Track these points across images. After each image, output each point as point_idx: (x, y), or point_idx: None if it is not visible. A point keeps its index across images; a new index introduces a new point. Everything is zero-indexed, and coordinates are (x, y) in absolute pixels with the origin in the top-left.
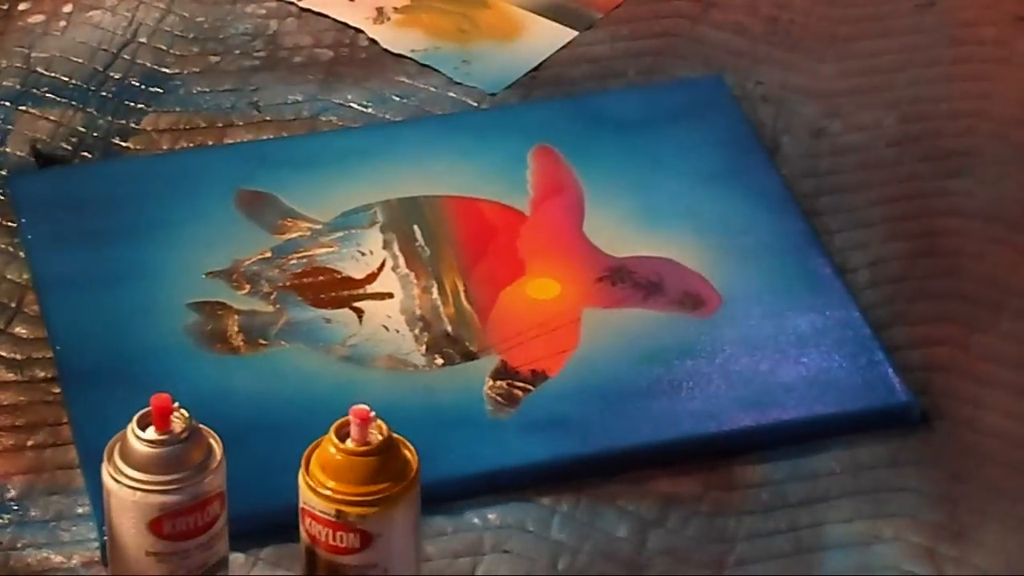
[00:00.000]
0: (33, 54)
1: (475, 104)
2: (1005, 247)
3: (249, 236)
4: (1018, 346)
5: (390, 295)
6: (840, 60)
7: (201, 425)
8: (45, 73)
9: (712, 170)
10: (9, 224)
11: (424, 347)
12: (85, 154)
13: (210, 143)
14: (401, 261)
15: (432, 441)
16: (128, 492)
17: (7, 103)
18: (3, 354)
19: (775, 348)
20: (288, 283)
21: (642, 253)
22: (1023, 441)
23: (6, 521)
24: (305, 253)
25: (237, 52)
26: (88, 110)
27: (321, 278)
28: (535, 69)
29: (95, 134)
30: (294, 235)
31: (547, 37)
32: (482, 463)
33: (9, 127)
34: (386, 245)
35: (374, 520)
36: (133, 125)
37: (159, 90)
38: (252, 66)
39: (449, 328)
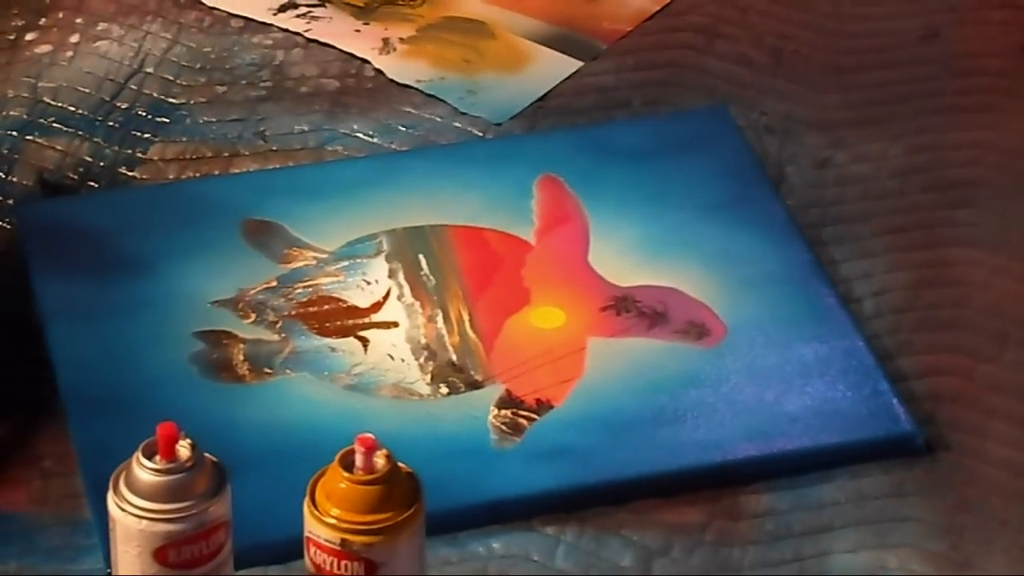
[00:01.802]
0: (40, 84)
1: (481, 134)
2: (1010, 277)
3: (255, 265)
4: (1023, 376)
5: (395, 324)
6: (844, 91)
7: (206, 454)
8: (52, 103)
9: (717, 200)
10: (15, 253)
11: (429, 376)
12: (92, 184)
13: (216, 173)
14: (406, 290)
15: (437, 470)
16: (133, 521)
17: (14, 133)
18: (8, 383)
19: (780, 378)
20: (294, 312)
21: (647, 282)
22: None
23: (12, 551)
24: (311, 282)
25: (244, 82)
26: (95, 140)
27: (326, 307)
28: (541, 99)
29: (101, 164)
30: (300, 264)
31: (552, 67)
32: (487, 492)
33: (16, 157)
34: (391, 274)
35: (379, 549)
36: (140, 155)
37: (166, 120)
38: (258, 96)
39: (454, 357)
